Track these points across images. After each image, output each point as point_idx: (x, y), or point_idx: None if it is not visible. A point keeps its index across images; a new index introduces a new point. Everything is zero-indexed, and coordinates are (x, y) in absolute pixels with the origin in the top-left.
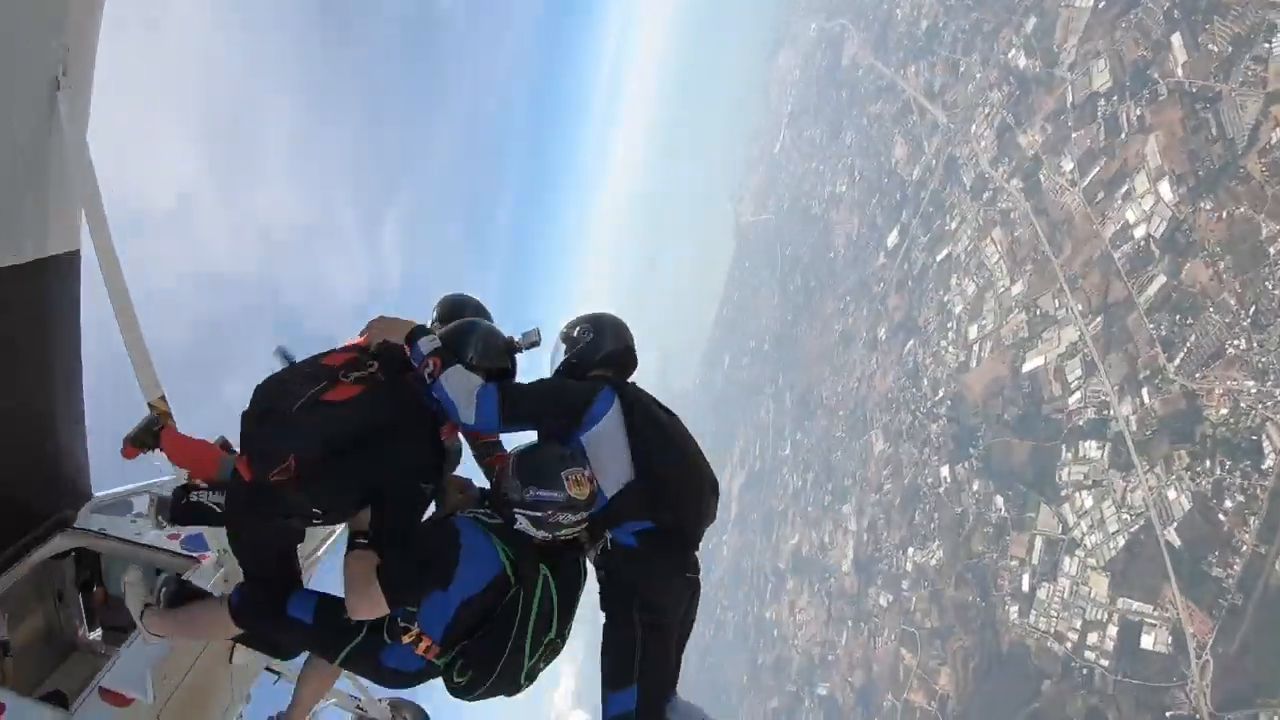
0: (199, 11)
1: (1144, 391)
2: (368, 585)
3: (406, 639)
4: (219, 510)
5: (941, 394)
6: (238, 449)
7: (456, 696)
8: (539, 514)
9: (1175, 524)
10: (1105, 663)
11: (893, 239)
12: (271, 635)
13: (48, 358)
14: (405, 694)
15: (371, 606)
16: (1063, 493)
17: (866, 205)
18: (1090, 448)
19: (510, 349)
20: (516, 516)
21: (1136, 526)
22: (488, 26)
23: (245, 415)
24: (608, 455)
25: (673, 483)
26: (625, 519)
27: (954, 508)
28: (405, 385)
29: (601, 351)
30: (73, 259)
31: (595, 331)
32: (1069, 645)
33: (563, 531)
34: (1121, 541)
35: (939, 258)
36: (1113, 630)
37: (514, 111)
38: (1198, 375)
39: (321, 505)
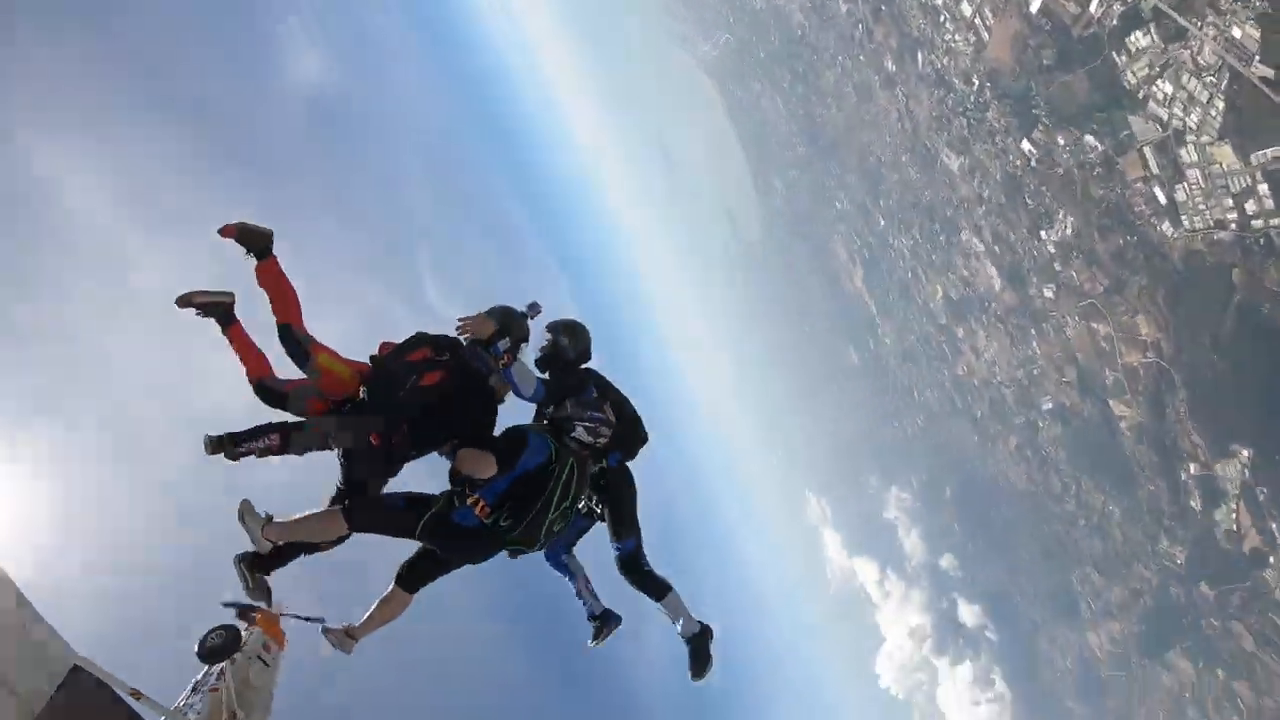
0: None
1: None
2: (483, 457)
3: (469, 502)
4: (267, 448)
5: (977, 81)
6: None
7: (501, 540)
8: (593, 425)
9: (1256, 57)
10: (1275, 221)
11: None
12: (373, 526)
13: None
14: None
15: (488, 467)
16: (1140, 95)
17: None
18: (1137, 39)
19: (526, 319)
20: (577, 427)
21: (1224, 81)
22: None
23: (364, 406)
24: None
25: (627, 431)
26: (612, 449)
27: (1055, 170)
28: (469, 366)
29: (574, 352)
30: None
31: (569, 337)
32: (1234, 226)
33: (600, 439)
34: (1220, 104)
35: None
36: (1262, 188)
37: (453, 118)
38: None
39: (422, 450)
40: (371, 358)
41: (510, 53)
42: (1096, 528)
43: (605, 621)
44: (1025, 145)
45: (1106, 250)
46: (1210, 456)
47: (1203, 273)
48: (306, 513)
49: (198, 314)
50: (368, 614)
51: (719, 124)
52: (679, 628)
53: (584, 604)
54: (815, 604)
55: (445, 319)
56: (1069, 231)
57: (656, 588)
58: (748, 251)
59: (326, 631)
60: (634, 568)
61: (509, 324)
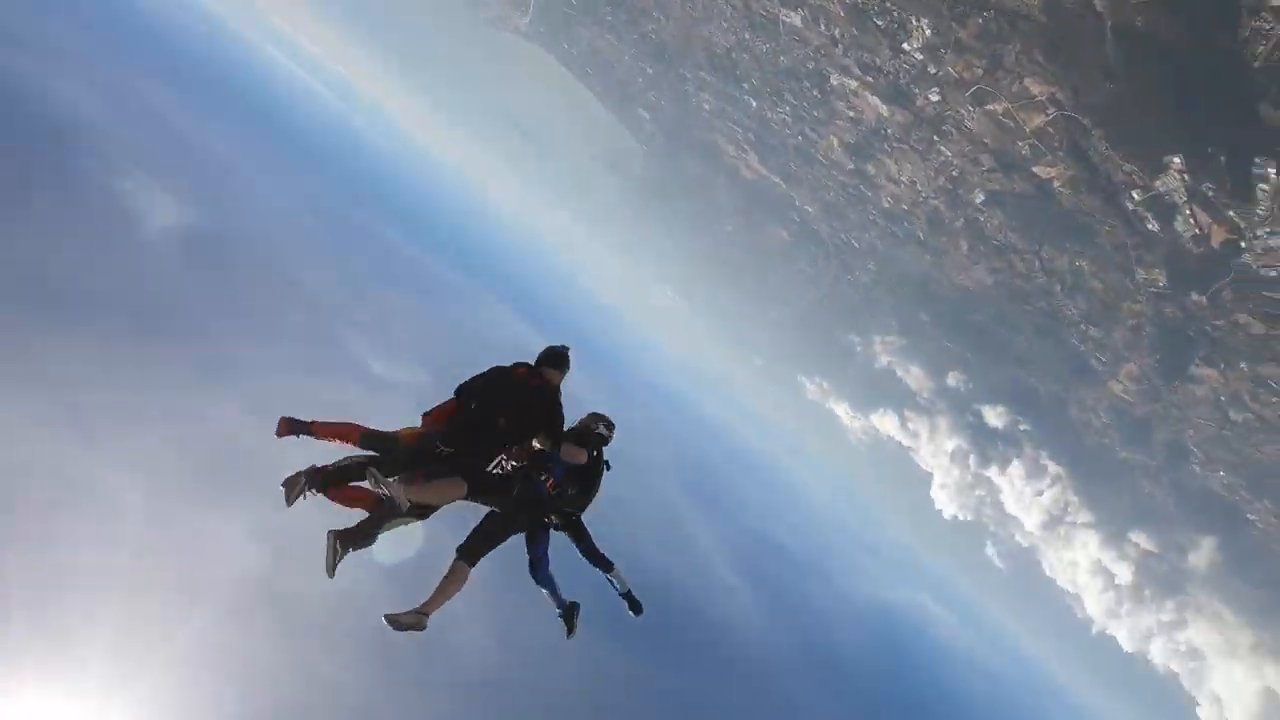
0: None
1: None
2: (580, 449)
3: (544, 478)
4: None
5: None
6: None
7: (560, 505)
8: (608, 425)
9: None
10: None
11: None
12: (482, 493)
13: None
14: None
15: (582, 457)
16: None
17: None
18: None
19: (566, 357)
20: (599, 426)
21: None
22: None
23: (494, 407)
24: None
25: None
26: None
27: None
28: (551, 378)
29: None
30: None
31: (609, 427)
32: None
33: (610, 434)
34: None
35: None
36: None
37: (323, 196)
38: None
39: (526, 437)
40: (459, 389)
41: (352, 114)
42: (1073, 287)
43: (574, 611)
44: None
45: (970, 34)
46: (1147, 177)
47: (1067, 15)
48: (439, 482)
49: (296, 437)
50: (434, 591)
51: (564, 83)
52: (618, 588)
53: (558, 605)
54: (854, 475)
55: (397, 384)
56: (928, 33)
57: (605, 564)
58: (641, 187)
59: (392, 618)
60: (594, 556)
61: (561, 357)
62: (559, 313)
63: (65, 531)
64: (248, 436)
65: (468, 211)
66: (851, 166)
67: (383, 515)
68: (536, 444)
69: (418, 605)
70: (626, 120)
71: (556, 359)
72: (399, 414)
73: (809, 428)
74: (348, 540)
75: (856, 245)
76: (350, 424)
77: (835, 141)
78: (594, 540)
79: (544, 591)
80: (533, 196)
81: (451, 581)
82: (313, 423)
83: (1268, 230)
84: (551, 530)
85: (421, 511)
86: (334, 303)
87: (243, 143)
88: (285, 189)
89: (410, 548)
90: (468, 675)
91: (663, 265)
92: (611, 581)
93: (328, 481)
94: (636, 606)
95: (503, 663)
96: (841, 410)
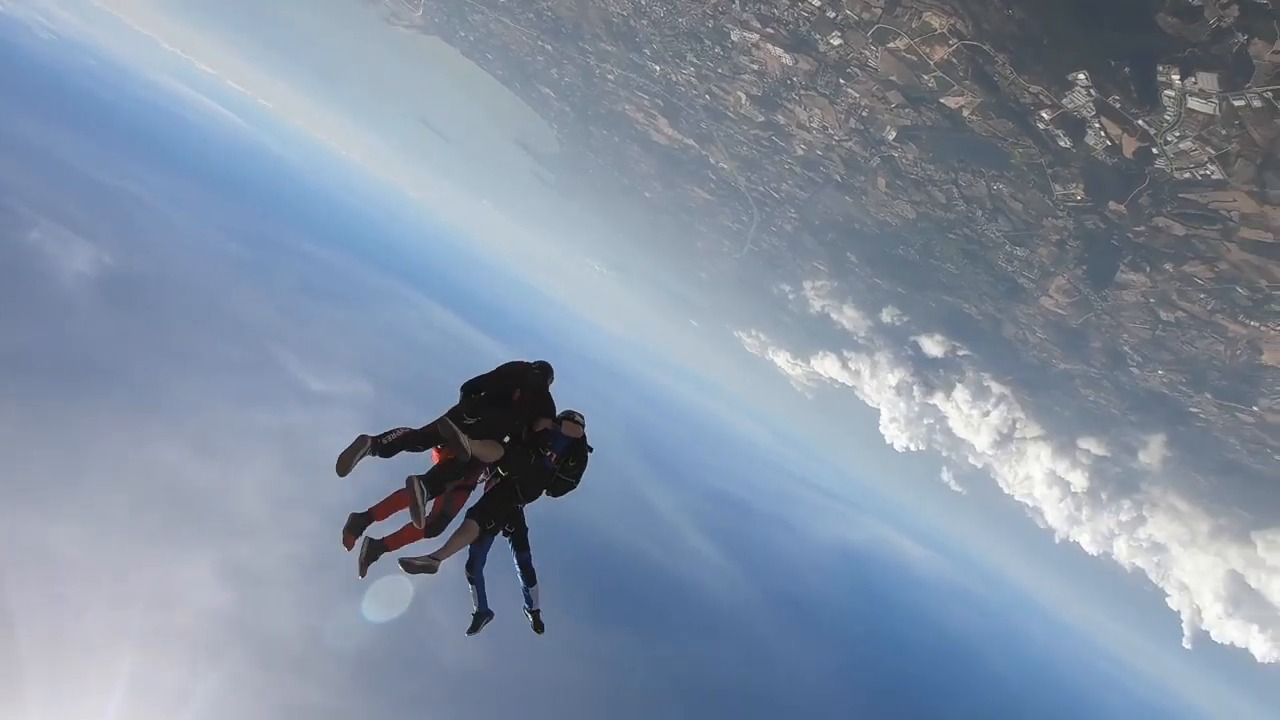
0: None
1: None
2: (579, 426)
3: (549, 453)
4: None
5: None
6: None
7: (559, 477)
8: (581, 414)
9: None
10: None
11: None
12: (510, 460)
13: None
14: None
15: (580, 430)
16: None
17: None
18: None
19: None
20: (576, 414)
21: None
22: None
23: (508, 383)
24: None
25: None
26: None
27: None
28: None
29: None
30: None
31: (581, 418)
32: None
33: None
34: None
35: None
36: None
37: (243, 222)
38: None
39: (534, 414)
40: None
41: (258, 131)
42: (994, 210)
43: (486, 617)
44: None
45: None
46: (1054, 96)
47: None
48: (486, 442)
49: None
50: (445, 542)
51: (464, 71)
52: (530, 603)
53: (476, 604)
54: (803, 420)
55: (338, 398)
56: None
57: (532, 578)
58: (556, 165)
59: (406, 562)
60: (526, 568)
61: (550, 371)
62: (489, 301)
63: (27, 599)
64: (197, 474)
65: (386, 213)
66: (762, 119)
67: (449, 466)
68: (540, 426)
69: (431, 553)
70: (532, 101)
71: (548, 369)
72: (345, 427)
73: (753, 381)
74: (429, 484)
75: (776, 195)
76: (400, 493)
77: (743, 96)
78: (530, 556)
79: (471, 588)
80: (450, 188)
81: (462, 534)
82: (369, 510)
83: (1177, 135)
84: (496, 537)
85: (472, 472)
86: (264, 326)
87: (149, 175)
88: (200, 217)
89: (399, 608)
90: (453, 680)
91: (588, 240)
92: (528, 594)
93: (391, 450)
94: (539, 626)
95: (487, 660)
96: (781, 359)
